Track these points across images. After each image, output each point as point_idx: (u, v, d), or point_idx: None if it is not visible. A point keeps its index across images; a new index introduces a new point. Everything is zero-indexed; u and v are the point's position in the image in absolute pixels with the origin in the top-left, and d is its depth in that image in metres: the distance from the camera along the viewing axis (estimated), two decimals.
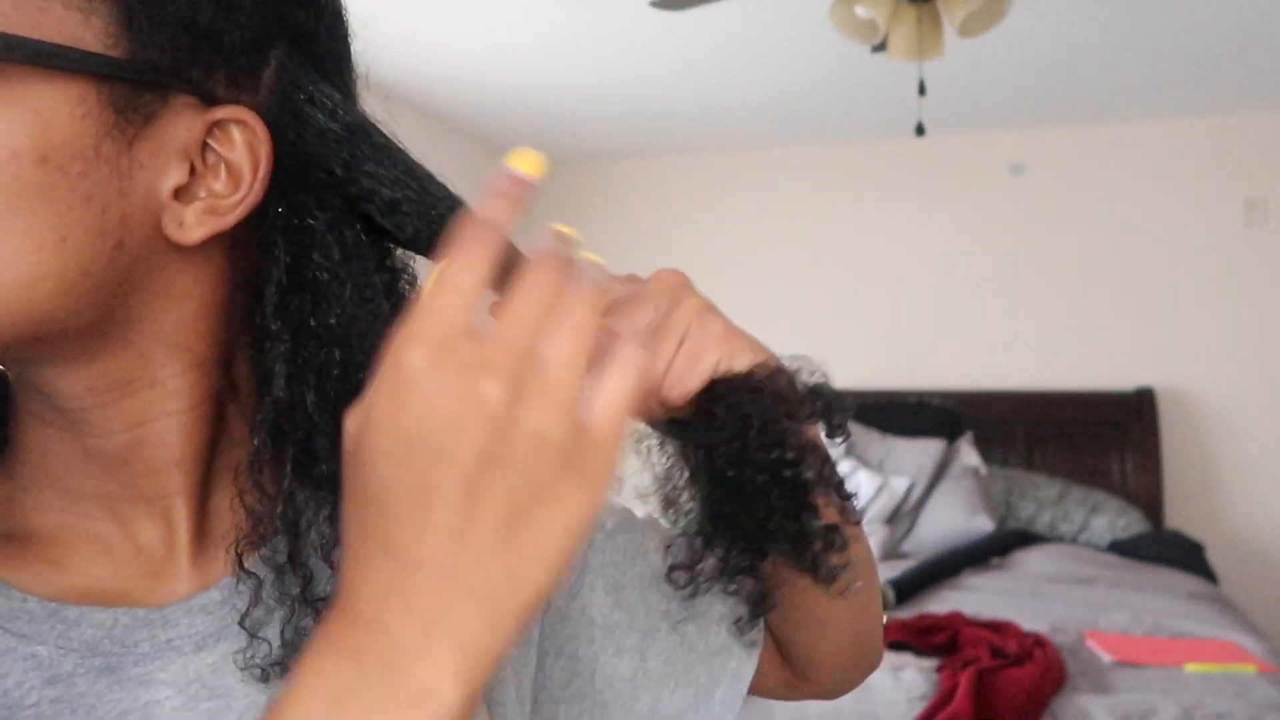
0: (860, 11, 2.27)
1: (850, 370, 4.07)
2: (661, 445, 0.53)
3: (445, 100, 3.56)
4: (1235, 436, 3.73)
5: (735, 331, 0.49)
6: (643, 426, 0.52)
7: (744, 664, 0.62)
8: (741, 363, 0.48)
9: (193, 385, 0.44)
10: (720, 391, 0.48)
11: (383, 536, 0.33)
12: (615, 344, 0.36)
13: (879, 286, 4.13)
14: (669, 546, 0.58)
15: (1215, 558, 3.44)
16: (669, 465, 0.52)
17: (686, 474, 0.51)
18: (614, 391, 0.35)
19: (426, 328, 0.33)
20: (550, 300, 0.34)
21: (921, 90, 2.48)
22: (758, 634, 0.63)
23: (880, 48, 2.47)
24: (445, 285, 0.34)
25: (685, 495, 0.51)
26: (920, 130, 2.55)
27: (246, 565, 0.45)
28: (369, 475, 0.33)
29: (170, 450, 0.45)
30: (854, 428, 3.63)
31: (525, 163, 0.36)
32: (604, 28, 2.93)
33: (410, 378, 0.32)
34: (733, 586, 0.55)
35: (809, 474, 0.49)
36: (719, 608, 0.63)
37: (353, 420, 0.35)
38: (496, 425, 0.32)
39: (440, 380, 0.32)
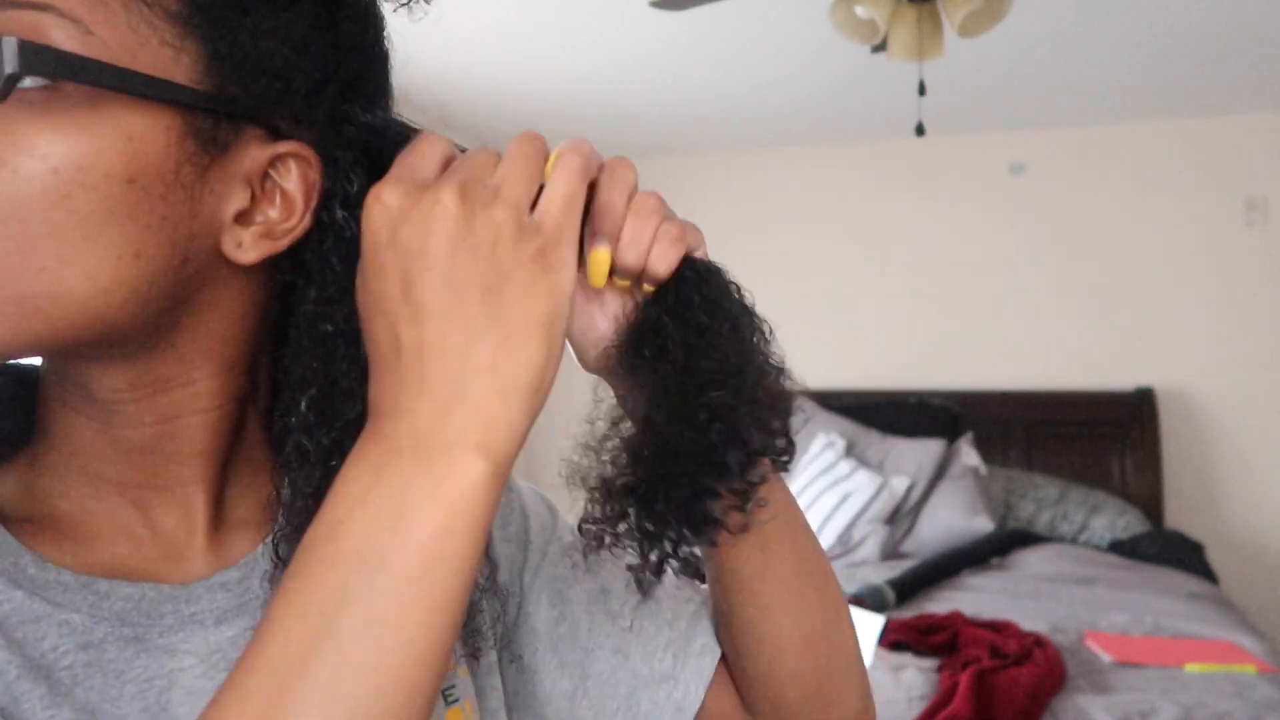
0: (860, 11, 2.27)
1: (850, 370, 4.08)
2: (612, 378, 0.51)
3: (442, 99, 3.56)
4: (1235, 436, 3.73)
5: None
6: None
7: (689, 695, 0.60)
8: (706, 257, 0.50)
9: (222, 387, 0.48)
10: (693, 272, 0.48)
11: (389, 339, 0.40)
12: (560, 159, 0.44)
13: (879, 287, 4.13)
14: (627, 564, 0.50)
15: (1215, 558, 3.44)
16: (609, 409, 0.51)
17: (635, 402, 0.48)
18: (557, 187, 0.43)
19: (397, 173, 0.42)
20: (500, 155, 0.44)
21: (921, 90, 2.48)
22: (709, 664, 0.61)
23: (880, 48, 2.47)
24: (413, 151, 0.44)
25: (616, 439, 0.49)
26: (920, 130, 2.55)
27: (271, 549, 0.49)
28: (364, 298, 0.42)
29: (193, 444, 0.48)
30: (854, 428, 3.63)
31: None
32: (602, 27, 2.93)
33: (385, 206, 0.41)
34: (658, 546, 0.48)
35: (766, 375, 0.48)
36: (666, 634, 0.61)
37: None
38: (458, 222, 0.40)
39: (409, 200, 0.41)
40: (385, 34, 0.51)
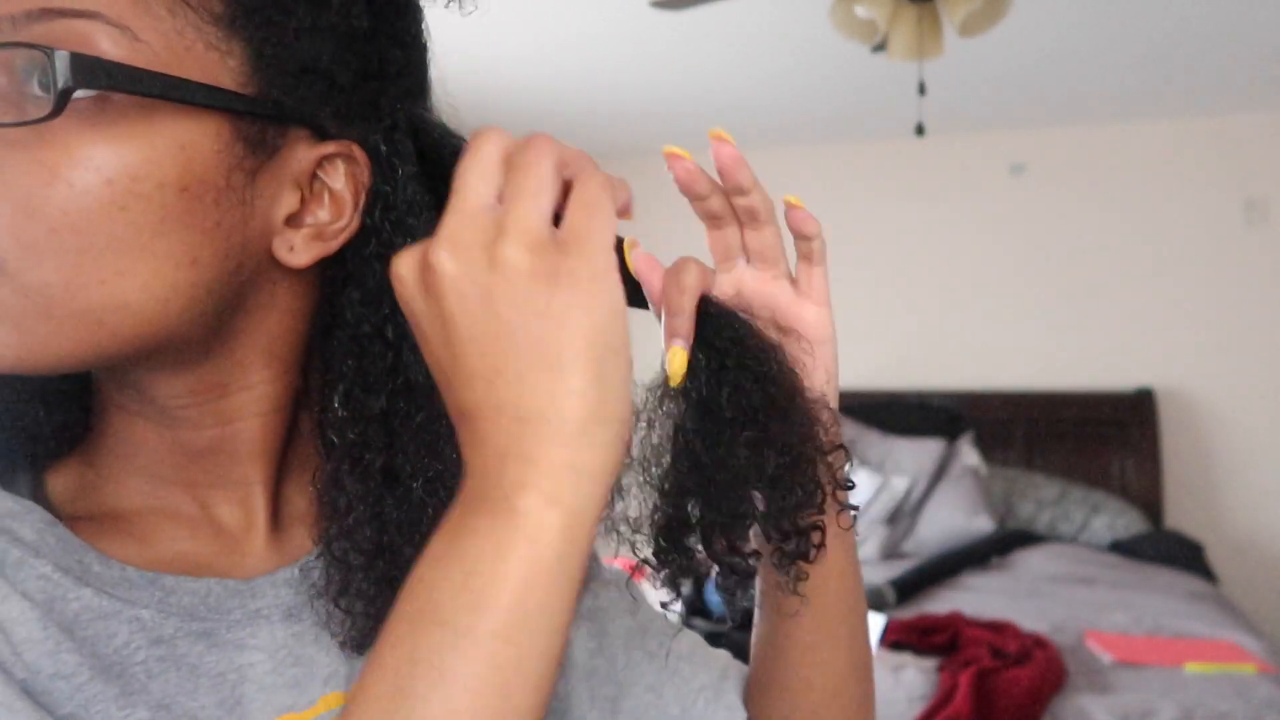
0: (860, 11, 2.27)
1: (850, 370, 4.07)
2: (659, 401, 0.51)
3: (442, 100, 3.56)
4: (1235, 436, 3.73)
5: None
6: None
7: None
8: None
9: (279, 390, 0.49)
10: (713, 314, 0.49)
11: (452, 404, 0.39)
12: (579, 175, 0.41)
13: (879, 287, 4.13)
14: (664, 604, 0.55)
15: (1215, 558, 3.44)
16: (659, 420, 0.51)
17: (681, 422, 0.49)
18: (578, 196, 0.40)
19: (435, 237, 0.38)
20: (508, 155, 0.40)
21: (921, 90, 2.48)
22: (737, 705, 0.62)
23: (880, 48, 2.47)
24: (450, 209, 0.38)
25: (668, 453, 0.50)
26: (920, 130, 2.55)
27: (323, 548, 0.49)
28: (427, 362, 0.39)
29: (253, 444, 0.49)
30: (854, 427, 3.63)
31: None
32: (603, 27, 2.93)
33: (399, 279, 0.39)
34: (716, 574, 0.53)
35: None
36: (701, 678, 0.62)
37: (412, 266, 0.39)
38: (461, 280, 0.37)
39: (413, 269, 0.38)
40: (424, 25, 0.50)
